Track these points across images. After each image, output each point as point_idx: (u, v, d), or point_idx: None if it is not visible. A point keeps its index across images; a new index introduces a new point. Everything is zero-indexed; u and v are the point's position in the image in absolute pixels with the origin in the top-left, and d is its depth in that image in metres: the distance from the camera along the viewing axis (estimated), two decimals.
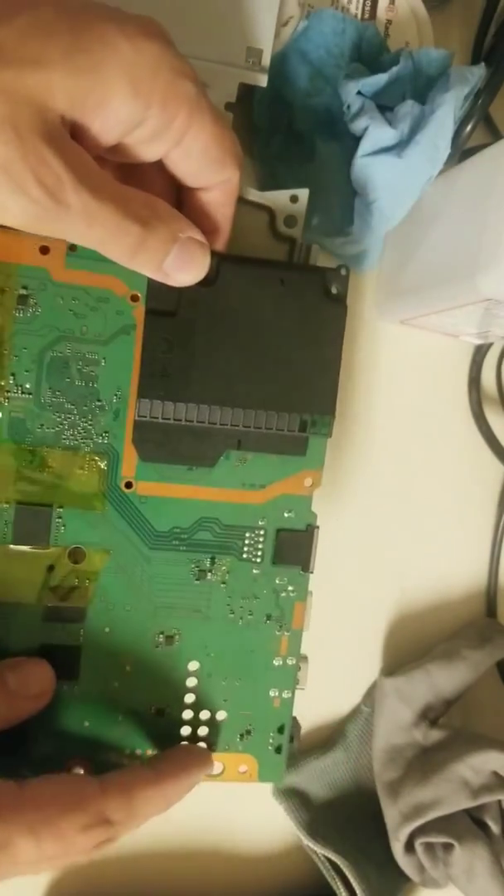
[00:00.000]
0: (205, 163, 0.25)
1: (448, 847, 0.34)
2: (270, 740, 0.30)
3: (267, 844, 0.39)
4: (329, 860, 0.36)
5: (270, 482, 0.29)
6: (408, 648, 0.40)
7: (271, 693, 0.30)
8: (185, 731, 0.29)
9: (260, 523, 0.29)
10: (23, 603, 0.27)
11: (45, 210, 0.22)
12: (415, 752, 0.36)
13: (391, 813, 0.35)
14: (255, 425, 0.28)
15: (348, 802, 0.39)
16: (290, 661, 0.30)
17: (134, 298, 0.27)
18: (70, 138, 0.22)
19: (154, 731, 0.29)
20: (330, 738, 0.39)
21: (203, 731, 0.29)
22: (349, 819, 0.38)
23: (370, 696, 0.39)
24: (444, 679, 0.36)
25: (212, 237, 0.27)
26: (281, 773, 0.31)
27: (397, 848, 0.35)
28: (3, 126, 0.20)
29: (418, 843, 0.35)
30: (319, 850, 0.36)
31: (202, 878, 0.38)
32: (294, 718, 0.31)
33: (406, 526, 0.40)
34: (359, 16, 0.34)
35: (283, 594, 0.30)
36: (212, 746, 0.30)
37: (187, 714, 0.29)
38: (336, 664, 0.39)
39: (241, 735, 0.30)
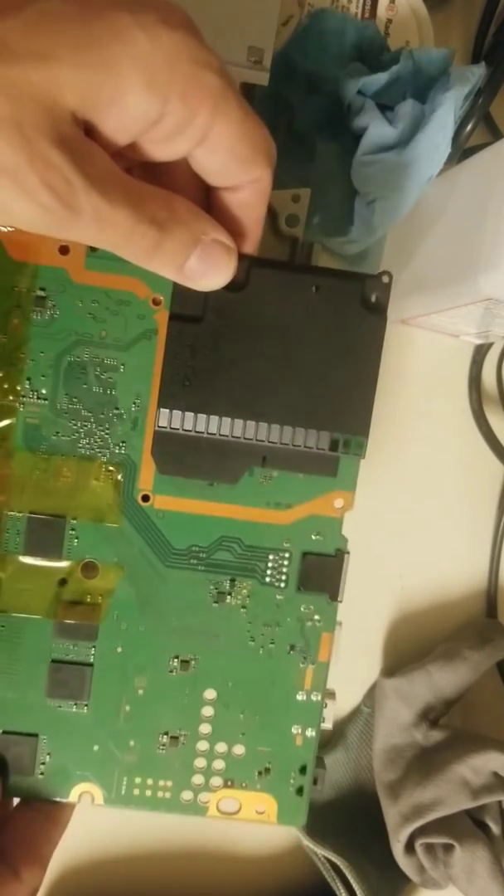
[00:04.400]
0: (232, 161, 0.23)
1: (448, 848, 0.34)
2: (291, 781, 0.28)
3: (267, 844, 0.39)
4: (329, 860, 0.36)
5: (298, 502, 0.27)
6: (408, 648, 0.40)
7: (293, 730, 0.28)
8: (200, 763, 0.28)
9: (285, 545, 0.27)
10: (34, 617, 0.26)
11: (55, 215, 0.21)
12: (415, 753, 0.36)
13: (391, 813, 0.35)
14: (283, 442, 0.26)
15: (348, 803, 0.39)
16: (315, 697, 0.28)
17: (156, 302, 0.26)
18: (83, 136, 0.21)
19: (167, 761, 0.27)
20: (330, 738, 0.39)
21: (219, 764, 0.28)
22: (349, 819, 0.38)
23: (370, 696, 0.39)
24: (444, 679, 0.36)
25: (240, 240, 0.25)
26: (302, 817, 0.28)
27: (397, 849, 0.35)
28: (7, 127, 0.19)
29: (418, 844, 0.35)
30: (319, 851, 0.36)
31: (202, 878, 0.38)
32: (320, 759, 0.29)
33: (406, 526, 0.40)
34: (359, 15, 0.34)
35: (309, 623, 0.28)
36: (228, 782, 0.28)
37: (202, 745, 0.28)
38: (336, 664, 0.39)
39: (260, 773, 0.28)
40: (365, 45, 0.33)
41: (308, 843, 0.36)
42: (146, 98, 0.20)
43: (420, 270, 0.34)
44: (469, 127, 0.33)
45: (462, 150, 0.34)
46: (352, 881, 0.35)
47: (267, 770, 0.28)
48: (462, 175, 0.32)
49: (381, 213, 0.33)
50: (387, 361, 0.39)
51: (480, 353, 0.40)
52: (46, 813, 0.27)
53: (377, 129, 0.31)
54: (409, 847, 0.35)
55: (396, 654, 0.40)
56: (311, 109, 0.34)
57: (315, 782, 0.28)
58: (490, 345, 0.40)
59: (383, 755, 0.37)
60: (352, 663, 0.40)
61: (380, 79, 0.31)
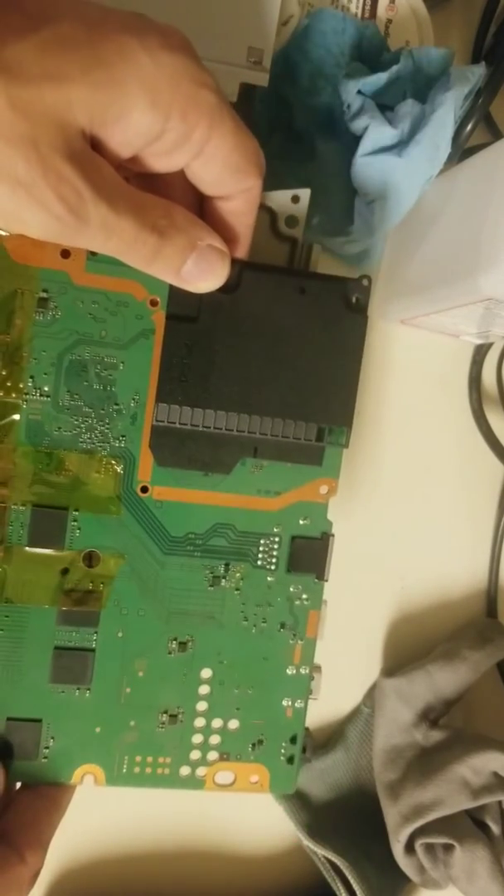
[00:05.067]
0: (225, 173, 0.25)
1: (448, 848, 0.34)
2: (282, 750, 0.30)
3: (267, 844, 0.39)
4: (329, 860, 0.36)
5: (286, 489, 0.29)
6: (408, 648, 0.40)
7: (284, 703, 0.30)
8: (197, 739, 0.29)
9: (275, 530, 0.29)
10: (37, 606, 0.27)
11: (66, 225, 0.22)
12: (415, 753, 0.36)
13: (391, 813, 0.35)
14: (272, 433, 0.28)
15: (348, 803, 0.39)
16: (304, 671, 0.30)
17: (153, 303, 0.27)
18: (90, 151, 0.22)
19: (166, 738, 0.29)
20: (330, 738, 0.39)
21: (215, 739, 0.29)
22: (349, 819, 0.38)
23: (370, 696, 0.39)
24: (444, 679, 0.36)
25: (233, 245, 0.27)
26: (293, 784, 0.30)
27: (397, 849, 0.35)
28: (23, 144, 0.20)
29: (419, 844, 0.35)
30: (319, 851, 0.36)
31: (202, 879, 0.38)
32: (307, 729, 0.30)
33: (406, 526, 0.40)
34: (359, 15, 0.34)
35: (298, 602, 0.30)
36: (223, 755, 0.29)
37: (199, 722, 0.29)
38: (336, 664, 0.39)
39: (253, 745, 0.30)
40: (365, 45, 0.33)
41: (308, 843, 0.36)
42: (150, 116, 0.22)
43: (420, 270, 0.34)
44: (469, 127, 0.33)
45: (462, 150, 0.34)
46: (352, 881, 0.35)
47: (260, 742, 0.30)
48: (462, 175, 0.32)
49: (381, 213, 0.33)
50: (387, 362, 0.40)
51: (480, 353, 0.40)
52: (48, 796, 0.28)
53: (377, 129, 0.31)
54: (409, 847, 0.35)
55: (396, 654, 0.40)
56: (311, 109, 0.34)
57: (304, 750, 0.30)
58: (490, 345, 0.40)
59: (383, 755, 0.37)
60: (352, 663, 0.40)
61: (380, 79, 0.31)
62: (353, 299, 0.28)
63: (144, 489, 0.28)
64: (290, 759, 0.30)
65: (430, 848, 0.35)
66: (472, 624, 0.40)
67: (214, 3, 0.30)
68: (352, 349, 0.29)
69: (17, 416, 0.27)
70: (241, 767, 0.30)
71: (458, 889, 0.35)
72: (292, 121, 0.35)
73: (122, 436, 0.28)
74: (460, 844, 0.34)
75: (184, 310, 0.27)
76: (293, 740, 0.30)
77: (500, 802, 0.35)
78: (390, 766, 0.36)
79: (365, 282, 0.29)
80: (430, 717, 0.37)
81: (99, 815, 0.37)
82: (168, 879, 0.38)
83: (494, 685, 0.40)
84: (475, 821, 0.35)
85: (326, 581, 0.30)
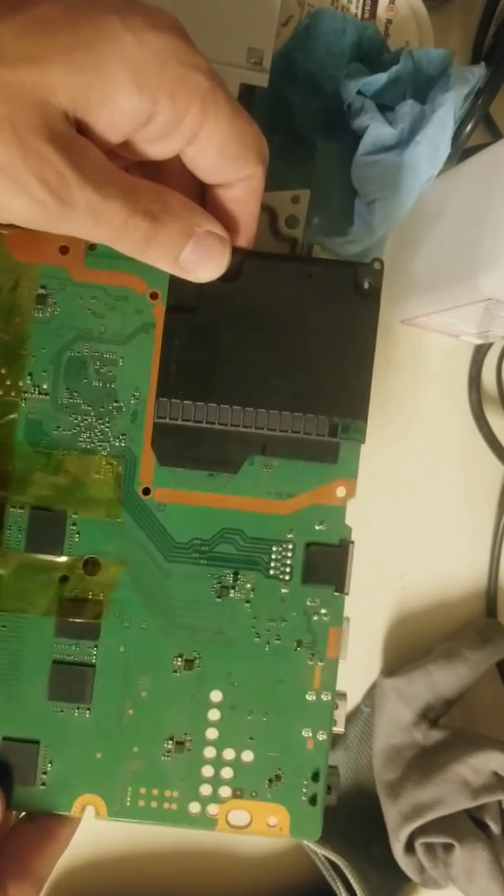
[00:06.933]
0: (223, 159, 0.23)
1: (448, 847, 0.34)
2: (304, 789, 0.26)
3: (267, 844, 0.39)
4: (329, 860, 0.36)
5: (299, 491, 0.27)
6: (408, 648, 0.40)
7: (304, 733, 0.26)
8: (207, 771, 0.26)
9: (288, 536, 0.27)
10: (34, 615, 0.26)
11: (50, 210, 0.21)
12: (415, 753, 0.36)
13: (391, 813, 0.35)
14: (282, 428, 0.26)
15: (348, 803, 0.39)
16: (325, 697, 0.27)
17: (153, 296, 0.26)
18: (75, 134, 0.21)
19: (172, 769, 0.26)
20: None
21: (227, 772, 0.26)
22: (349, 819, 0.38)
23: (370, 696, 0.39)
24: (444, 679, 0.36)
25: (234, 234, 0.25)
26: (317, 829, 0.26)
27: (397, 848, 0.35)
28: (1, 127, 0.20)
29: (418, 844, 0.35)
30: (319, 851, 0.36)
31: (202, 878, 0.38)
32: (334, 767, 0.27)
33: (406, 526, 0.40)
34: (359, 15, 0.34)
35: (315, 617, 0.27)
36: (237, 792, 0.26)
37: (209, 752, 0.26)
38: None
39: (270, 780, 0.26)
40: (365, 45, 0.33)
41: (308, 842, 0.36)
42: (136, 98, 0.21)
43: (420, 270, 0.34)
44: (469, 127, 0.33)
45: (462, 150, 0.34)
46: (352, 881, 0.35)
47: (277, 777, 0.26)
48: (462, 175, 0.32)
49: (381, 213, 0.33)
50: (387, 361, 0.40)
51: (480, 353, 0.40)
52: (44, 825, 0.26)
53: (377, 130, 0.31)
54: (409, 847, 0.35)
55: (396, 654, 0.40)
56: (311, 109, 0.34)
57: (329, 790, 0.27)
58: (490, 345, 0.40)
59: (383, 755, 0.37)
60: (352, 663, 0.39)
61: (379, 79, 0.31)
62: (365, 284, 0.27)
63: (146, 491, 0.26)
64: (313, 800, 0.26)
65: (429, 847, 0.35)
66: (471, 624, 0.40)
67: (214, 3, 0.30)
68: (363, 337, 0.27)
69: (15, 415, 0.26)
70: (258, 807, 0.26)
71: (458, 889, 0.35)
72: (292, 121, 0.35)
73: (123, 434, 0.26)
74: (460, 844, 0.34)
75: (183, 301, 0.26)
76: (315, 777, 0.26)
77: (499, 802, 0.35)
78: (390, 765, 0.37)
79: (377, 265, 0.27)
80: (430, 716, 0.37)
81: None
82: (168, 879, 0.38)
83: (494, 685, 0.40)
84: (475, 820, 0.35)
85: (347, 594, 0.27)
